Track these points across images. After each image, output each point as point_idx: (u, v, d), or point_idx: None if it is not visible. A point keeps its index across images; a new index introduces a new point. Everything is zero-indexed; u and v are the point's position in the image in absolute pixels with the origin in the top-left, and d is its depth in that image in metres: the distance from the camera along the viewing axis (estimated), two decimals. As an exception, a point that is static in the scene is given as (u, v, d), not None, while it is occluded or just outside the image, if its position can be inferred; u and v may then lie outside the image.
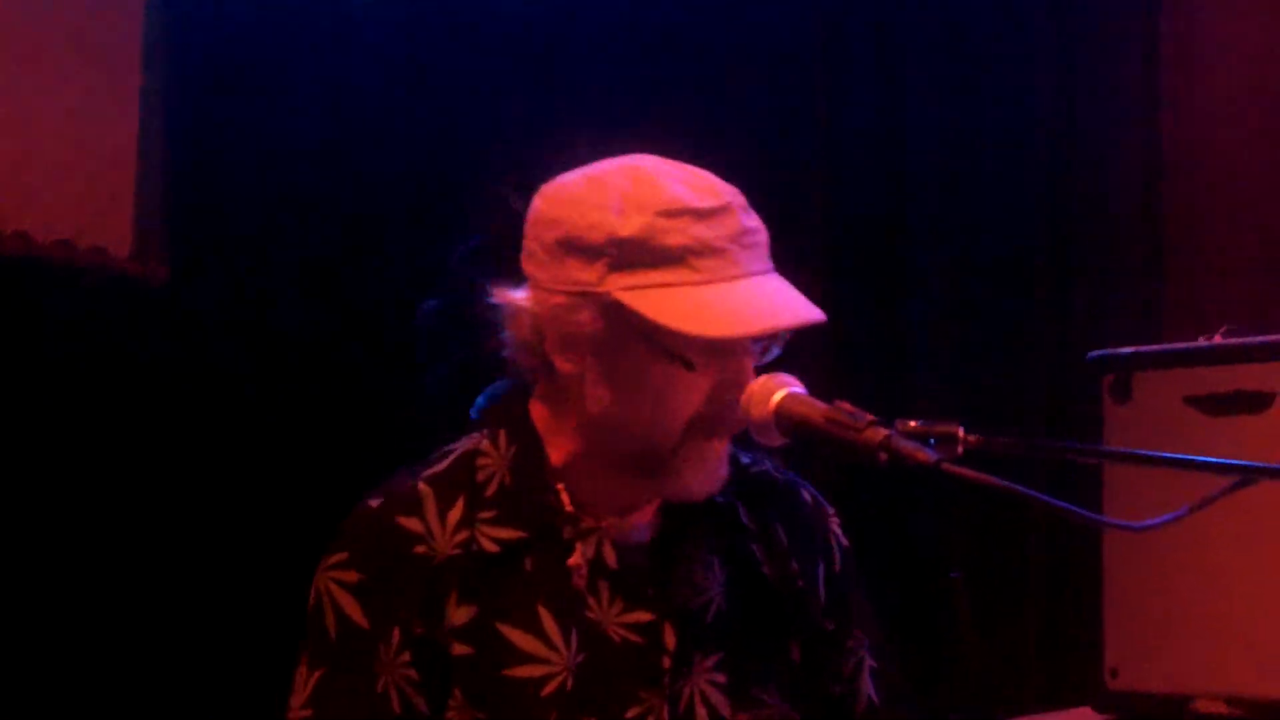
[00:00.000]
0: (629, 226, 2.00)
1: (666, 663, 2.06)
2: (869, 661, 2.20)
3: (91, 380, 4.00)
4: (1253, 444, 2.80)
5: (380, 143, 4.33)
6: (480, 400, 4.26)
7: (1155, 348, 3.07)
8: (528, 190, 4.34)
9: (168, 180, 4.16)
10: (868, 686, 2.20)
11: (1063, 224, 3.90)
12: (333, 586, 2.04)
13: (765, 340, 2.02)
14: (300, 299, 4.30)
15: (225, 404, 4.20)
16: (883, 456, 1.80)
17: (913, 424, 1.83)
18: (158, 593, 4.01)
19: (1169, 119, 3.88)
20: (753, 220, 2.03)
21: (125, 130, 4.12)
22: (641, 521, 2.10)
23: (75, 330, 3.98)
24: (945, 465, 1.76)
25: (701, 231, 1.99)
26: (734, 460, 2.13)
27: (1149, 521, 1.86)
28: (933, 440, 1.81)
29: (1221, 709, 2.89)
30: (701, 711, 2.07)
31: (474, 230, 4.31)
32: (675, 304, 1.98)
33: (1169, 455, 1.93)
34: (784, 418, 1.91)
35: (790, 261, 2.08)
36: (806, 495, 2.23)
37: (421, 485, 2.09)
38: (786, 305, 2.00)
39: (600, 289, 2.01)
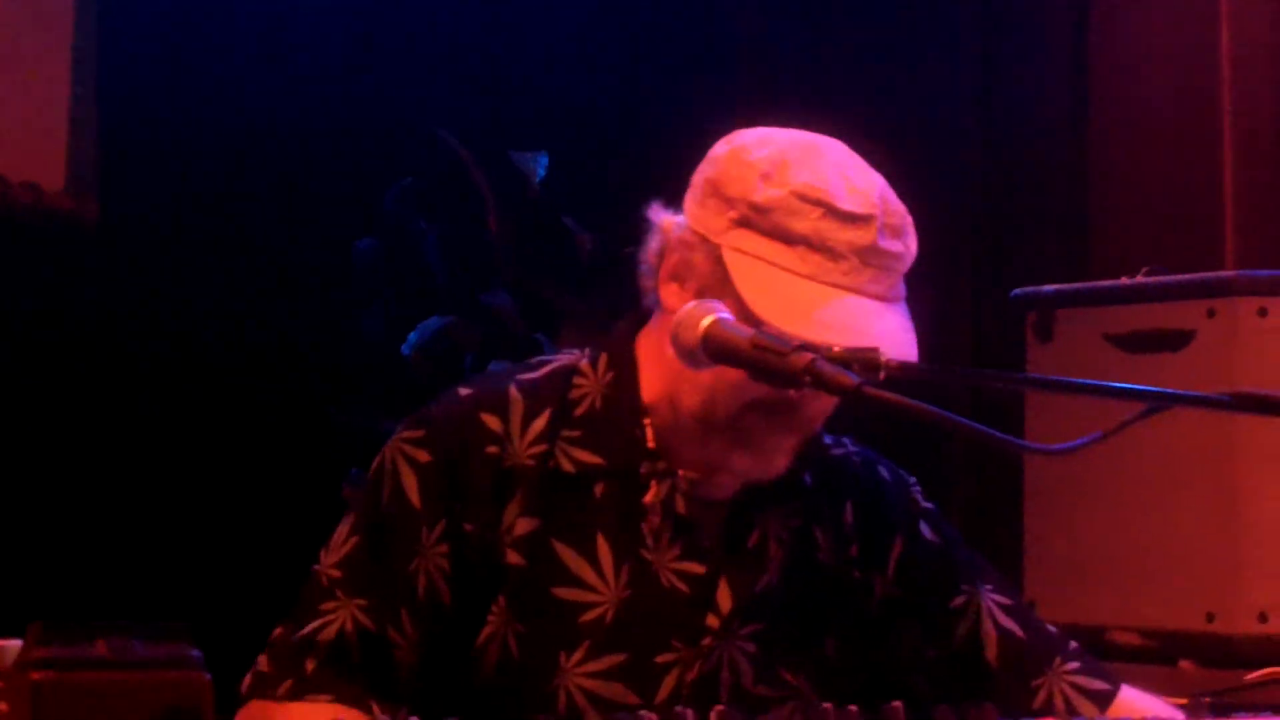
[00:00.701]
0: (765, 194, 2.02)
1: (714, 621, 2.09)
2: (996, 600, 2.21)
3: (23, 313, 4.01)
4: (1172, 380, 2.85)
5: (313, 80, 4.33)
6: (413, 337, 4.31)
7: (1077, 286, 3.12)
8: (461, 131, 4.36)
9: (101, 117, 4.16)
10: (1000, 624, 2.20)
11: (991, 173, 3.96)
12: (400, 459, 2.08)
13: (905, 365, 1.95)
14: (232, 235, 4.31)
15: (156, 337, 4.21)
16: (806, 380, 1.84)
17: (836, 349, 1.87)
18: (82, 528, 4.02)
19: (1096, 71, 3.93)
20: (895, 245, 2.03)
21: (58, 67, 4.12)
22: (720, 482, 2.11)
23: (7, 264, 3.98)
24: (866, 388, 1.80)
25: (829, 230, 2.00)
26: (816, 440, 2.16)
27: (1063, 445, 1.91)
28: (855, 366, 1.85)
29: (1135, 640, 2.96)
30: (726, 675, 2.10)
31: (406, 170, 4.35)
32: (765, 282, 2.00)
33: (1081, 381, 1.97)
34: (711, 343, 1.93)
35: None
36: (884, 472, 2.25)
37: (514, 389, 2.12)
38: (869, 331, 1.98)
39: (718, 239, 2.04)
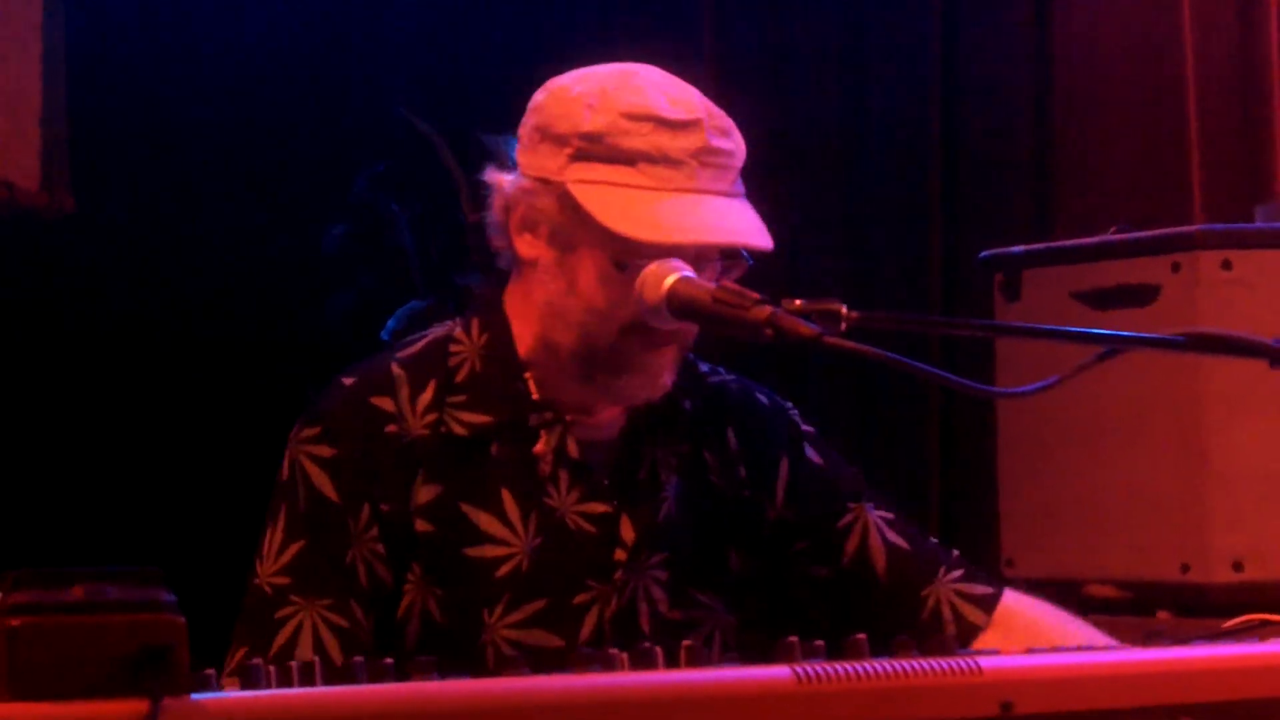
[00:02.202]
0: (594, 122, 2.08)
1: (621, 555, 2.15)
2: (881, 516, 2.28)
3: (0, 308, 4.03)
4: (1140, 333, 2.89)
5: (282, 67, 4.35)
6: (391, 322, 4.33)
7: (1043, 245, 3.16)
8: (431, 114, 4.37)
9: (72, 113, 4.18)
10: (887, 539, 2.27)
11: (956, 135, 3.98)
12: (305, 461, 2.12)
13: (711, 259, 2.07)
14: (206, 224, 4.33)
15: (133, 328, 4.23)
16: (769, 332, 1.87)
17: (797, 303, 1.90)
18: (60, 525, 4.04)
19: (1059, 27, 3.95)
20: (726, 143, 2.11)
21: (29, 66, 4.14)
22: (606, 419, 2.18)
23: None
24: (826, 338, 1.83)
25: (662, 140, 2.07)
26: (692, 370, 2.25)
27: (1022, 388, 1.94)
28: (816, 317, 1.88)
29: (1111, 592, 2.99)
30: (643, 606, 2.16)
31: (377, 154, 4.36)
32: (616, 203, 2.06)
33: (1039, 326, 2.00)
34: (675, 300, 1.98)
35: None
36: (762, 398, 2.32)
37: (395, 367, 2.16)
38: (727, 225, 2.07)
39: (558, 178, 2.10)
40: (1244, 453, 2.90)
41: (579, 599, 2.13)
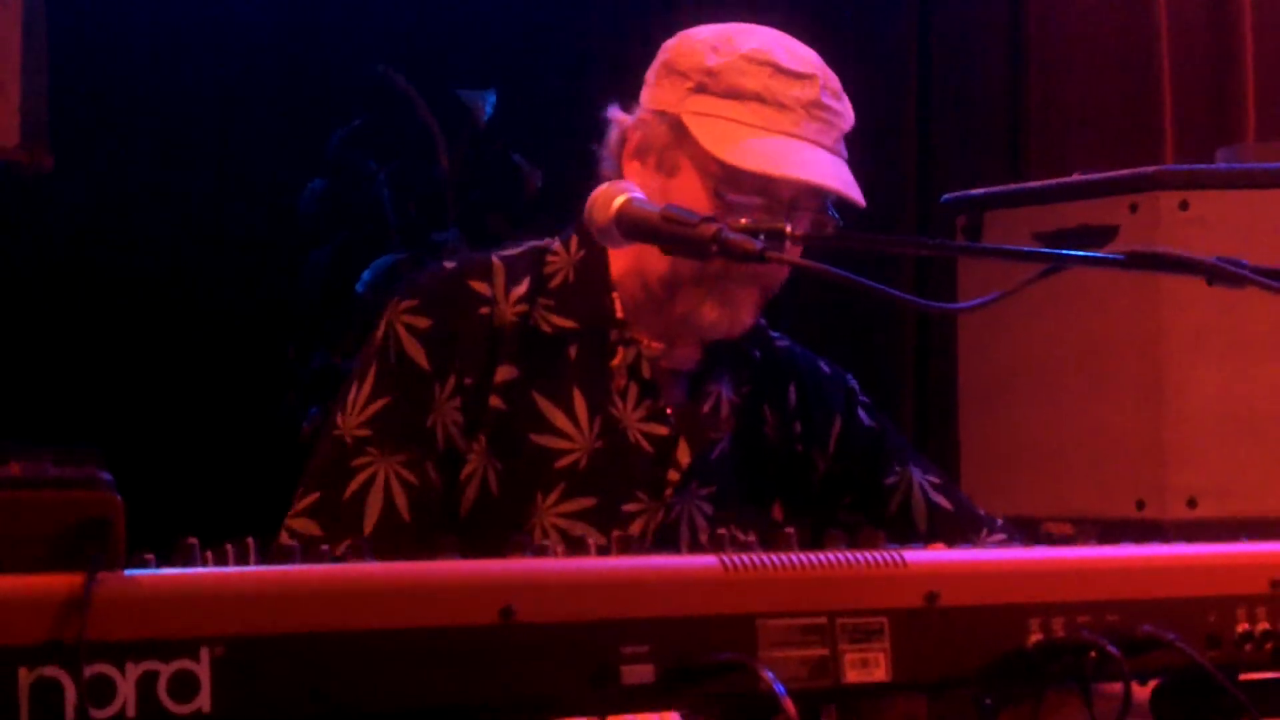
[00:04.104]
0: (715, 60, 2.23)
1: (674, 476, 2.26)
2: (926, 479, 2.42)
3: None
4: (1098, 274, 2.93)
5: (260, 25, 4.38)
6: (366, 275, 4.35)
7: (1004, 188, 3.19)
8: (408, 70, 4.38)
9: (52, 71, 4.20)
10: (930, 499, 2.40)
11: (930, 86, 4.01)
12: (401, 328, 2.24)
13: (803, 209, 2.18)
14: (184, 182, 4.35)
15: (113, 284, 4.26)
16: (714, 249, 1.92)
17: (743, 221, 1.95)
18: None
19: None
20: (835, 103, 2.24)
21: (10, 24, 4.16)
22: (683, 353, 2.30)
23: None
24: (769, 253, 1.87)
25: (776, 85, 2.20)
26: (763, 331, 2.38)
27: (968, 303, 1.98)
28: (762, 235, 1.92)
29: (1067, 530, 3.02)
30: (684, 530, 2.27)
31: (355, 111, 4.38)
32: (723, 134, 2.19)
33: (983, 246, 2.04)
34: (624, 220, 2.03)
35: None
36: (824, 365, 2.46)
37: (495, 259, 2.31)
38: (825, 172, 2.18)
39: (675, 110, 2.24)
40: (1200, 391, 2.94)
41: (628, 507, 2.25)
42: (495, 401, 2.22)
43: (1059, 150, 3.87)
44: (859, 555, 1.51)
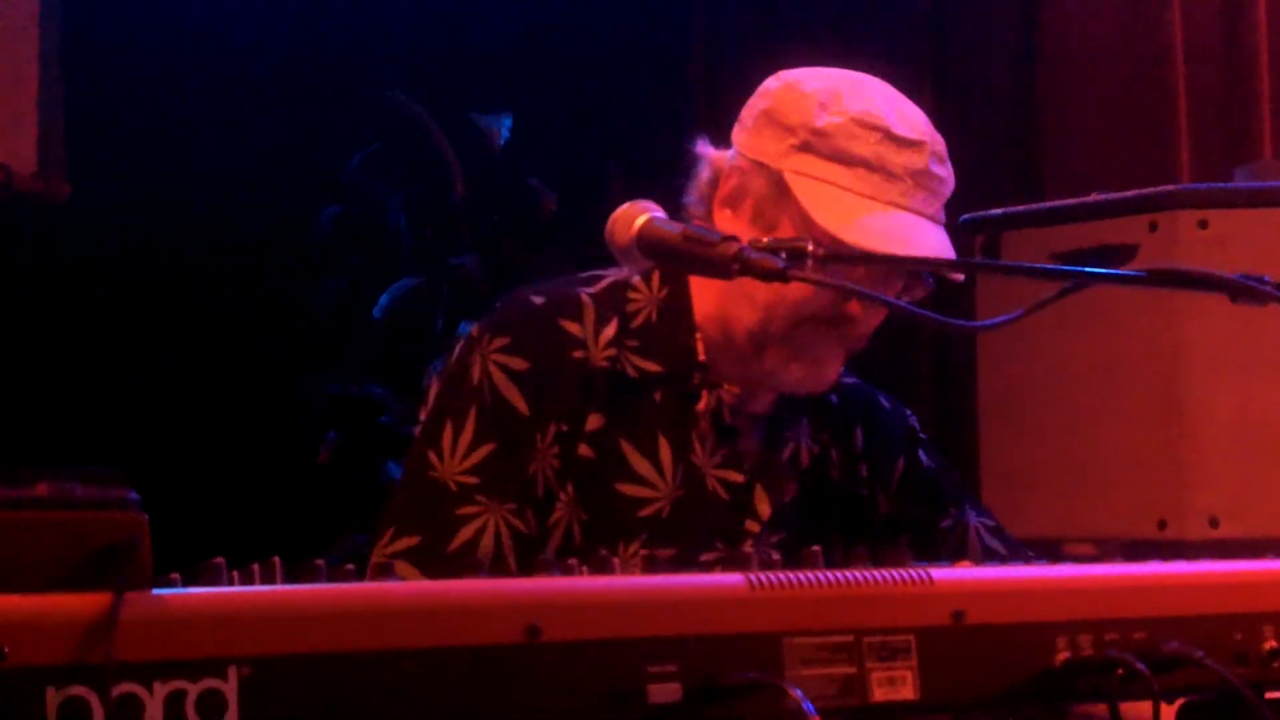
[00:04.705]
0: (825, 120, 2.17)
1: (754, 526, 2.24)
2: (979, 522, 2.42)
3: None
4: (1117, 294, 2.92)
5: (276, 52, 4.39)
6: (383, 300, 4.36)
7: (1022, 208, 3.18)
8: (423, 96, 4.39)
9: (69, 100, 4.22)
10: (985, 543, 2.40)
11: (943, 103, 4.00)
12: (495, 370, 2.20)
13: (895, 278, 2.16)
14: (200, 210, 4.36)
15: (128, 313, 4.27)
16: (735, 268, 1.92)
17: (764, 240, 1.95)
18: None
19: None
20: (942, 170, 2.20)
21: (27, 52, 4.18)
22: (761, 395, 2.27)
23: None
24: (792, 271, 1.87)
25: (886, 152, 2.16)
26: None
27: (989, 321, 1.97)
28: (784, 254, 1.92)
29: (1090, 550, 3.02)
30: None
31: (370, 137, 4.40)
32: (828, 200, 2.14)
33: (1004, 263, 2.03)
34: (646, 240, 2.02)
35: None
36: (885, 401, 2.44)
37: (584, 296, 2.26)
38: (923, 245, 2.14)
39: (777, 164, 2.19)
40: (1220, 409, 2.92)
41: (705, 557, 2.19)
42: (584, 450, 2.19)
43: (1073, 170, 3.87)
44: (885, 573, 1.50)
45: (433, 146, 4.35)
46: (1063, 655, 1.55)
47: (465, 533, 2.13)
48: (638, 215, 2.03)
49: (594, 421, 2.19)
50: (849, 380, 2.40)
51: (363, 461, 4.13)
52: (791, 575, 1.47)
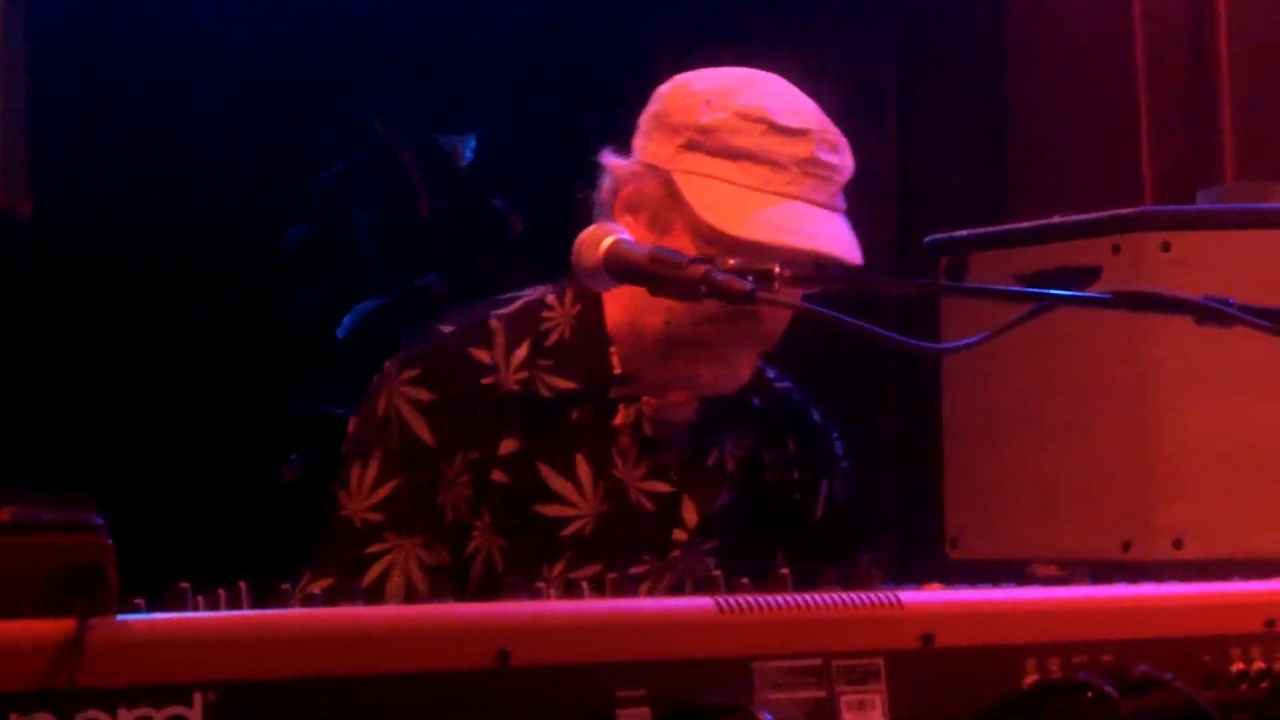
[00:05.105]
0: (709, 117, 2.18)
1: (681, 535, 2.24)
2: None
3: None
4: (1081, 316, 2.92)
5: (241, 70, 4.38)
6: (347, 320, 4.34)
7: (987, 229, 3.18)
8: (391, 116, 4.38)
9: (31, 116, 4.20)
10: None
11: (910, 132, 4.02)
12: (402, 403, 2.20)
13: (797, 272, 2.08)
14: (165, 227, 4.35)
15: (93, 331, 4.25)
16: (703, 290, 1.91)
17: (731, 262, 1.94)
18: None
19: (1013, 17, 4.00)
20: (833, 157, 2.20)
21: (-13, 71, 4.16)
22: (681, 403, 2.27)
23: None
24: (759, 294, 1.87)
25: (770, 143, 2.16)
26: (761, 372, 2.34)
27: (955, 344, 1.98)
28: (751, 276, 1.91)
29: (1054, 572, 3.02)
30: (691, 590, 2.19)
31: (335, 156, 4.39)
32: (714, 195, 2.15)
33: (971, 286, 2.04)
34: (613, 262, 2.01)
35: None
36: (817, 415, 2.44)
37: (494, 321, 2.26)
38: (817, 234, 2.15)
39: (667, 165, 2.19)
40: (1185, 431, 2.93)
41: (634, 570, 2.21)
42: (498, 476, 2.19)
43: (1039, 193, 3.88)
44: (854, 596, 1.50)
45: (399, 166, 4.34)
46: (1031, 678, 1.55)
47: (375, 570, 2.14)
48: (604, 237, 2.02)
49: (508, 446, 2.19)
50: (782, 385, 2.40)
51: (327, 482, 4.12)
52: (760, 599, 1.47)
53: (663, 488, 2.24)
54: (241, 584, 1.35)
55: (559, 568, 2.18)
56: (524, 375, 2.22)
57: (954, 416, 3.18)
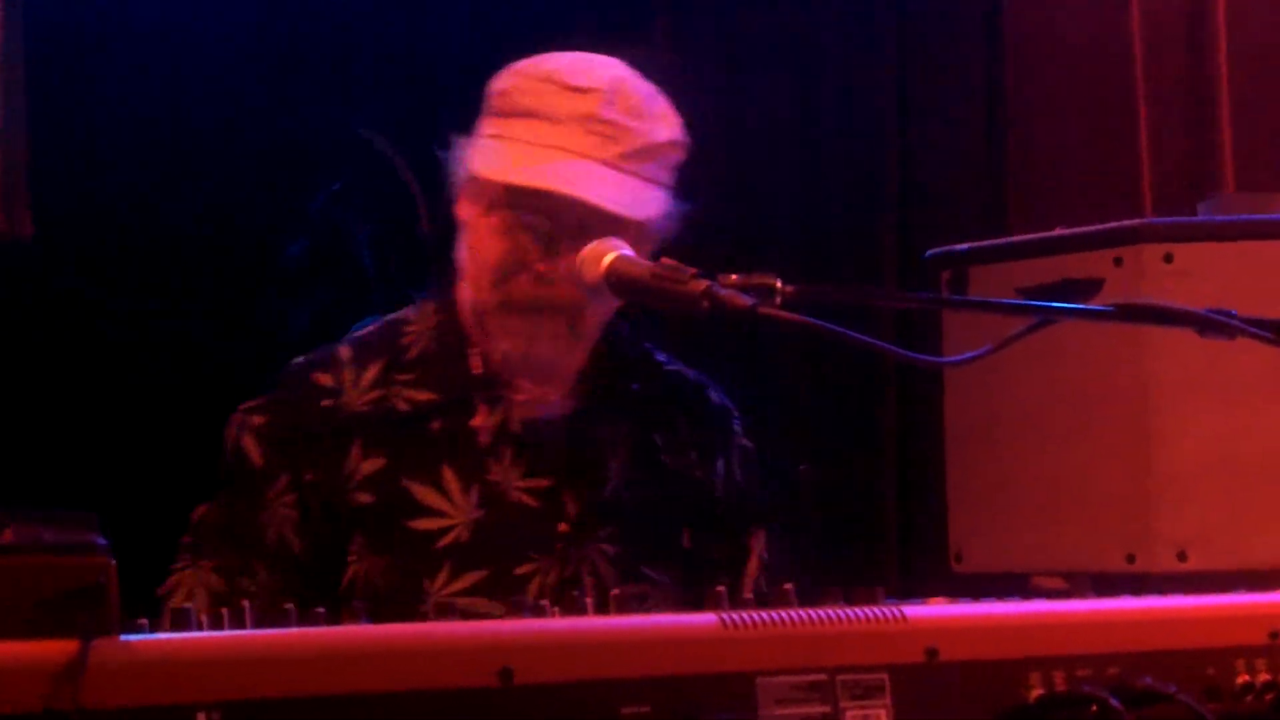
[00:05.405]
0: (505, 82, 2.23)
1: (564, 528, 2.22)
2: (761, 554, 2.39)
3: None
4: (1084, 328, 2.92)
5: (242, 86, 4.38)
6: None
7: (989, 242, 3.18)
8: (391, 132, 4.38)
9: (31, 136, 4.20)
10: (755, 579, 2.37)
11: (910, 142, 4.02)
12: (240, 429, 2.25)
13: (597, 231, 2.09)
14: (166, 246, 4.34)
15: (94, 350, 4.25)
16: (705, 305, 1.90)
17: (733, 277, 1.94)
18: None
19: (1010, 26, 4.01)
20: (622, 117, 2.18)
21: (-13, 90, 4.16)
22: (553, 397, 2.25)
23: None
24: (761, 309, 1.86)
25: (552, 100, 2.17)
26: (648, 357, 2.35)
27: (957, 357, 1.97)
28: (753, 291, 1.91)
29: (1059, 584, 3.02)
30: (588, 579, 2.22)
31: (336, 172, 4.38)
32: (492, 150, 2.18)
33: (972, 299, 2.04)
34: (614, 277, 2.00)
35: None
36: (713, 395, 2.41)
37: (343, 348, 2.29)
38: (581, 184, 2.13)
39: (478, 136, 2.23)
40: (1188, 442, 2.93)
41: (521, 569, 2.20)
42: (364, 498, 2.18)
43: (1038, 206, 3.88)
44: (858, 611, 1.50)
45: (400, 183, 4.34)
46: (1036, 691, 1.55)
47: (167, 585, 2.20)
48: (606, 252, 2.01)
49: (371, 466, 2.19)
50: (672, 368, 2.38)
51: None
52: (764, 614, 1.46)
53: (543, 483, 2.23)
54: (244, 603, 1.35)
55: (440, 580, 2.17)
56: (376, 394, 2.22)
57: (956, 429, 3.18)
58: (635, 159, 2.19)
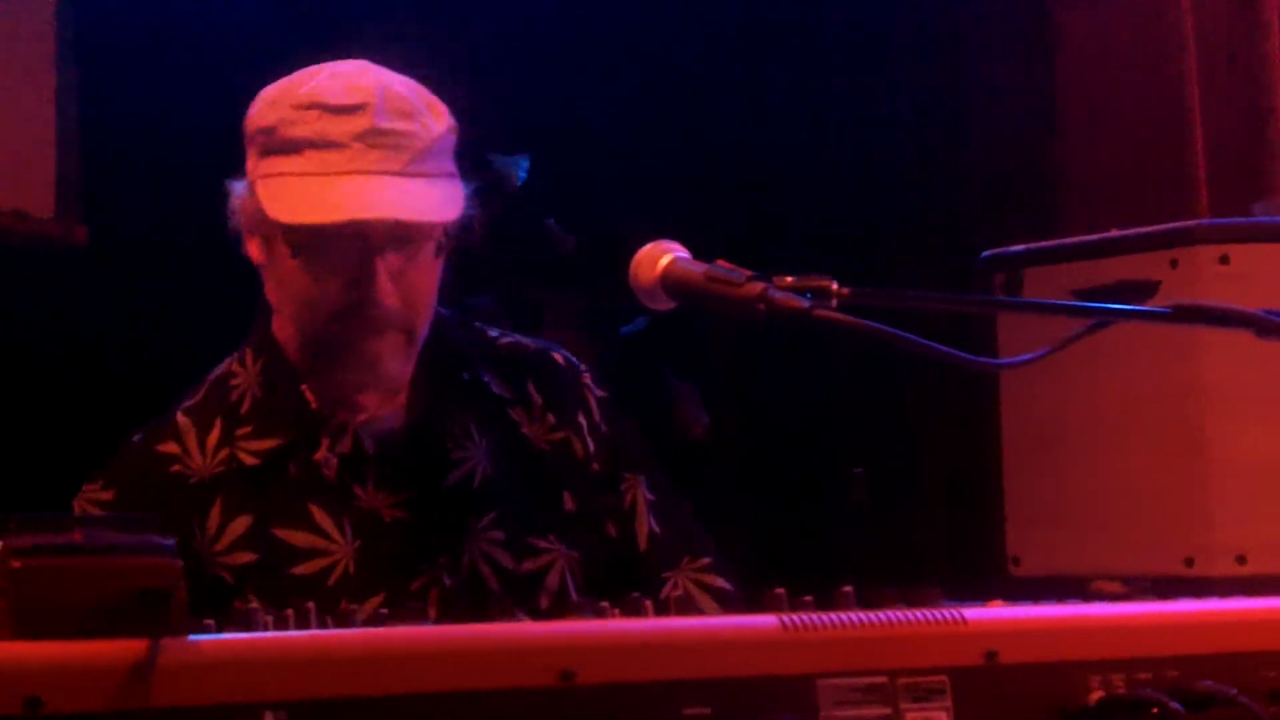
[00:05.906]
0: (268, 117, 2.15)
1: (444, 532, 2.18)
2: (645, 495, 2.34)
3: (15, 338, 4.07)
4: (1139, 330, 2.91)
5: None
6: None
7: (1043, 244, 3.17)
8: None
9: (85, 143, 4.23)
10: (646, 520, 2.33)
11: (961, 148, 4.02)
12: (86, 508, 2.17)
13: (405, 238, 2.09)
14: (219, 252, 4.36)
15: (146, 357, 4.27)
16: (761, 307, 1.89)
17: (789, 280, 1.93)
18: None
19: (1061, 31, 4.00)
20: (399, 123, 2.13)
21: (43, 95, 4.19)
22: (389, 410, 2.20)
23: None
24: (817, 311, 1.86)
25: (326, 126, 2.11)
26: (479, 336, 2.30)
27: (1015, 359, 1.97)
28: (808, 293, 1.90)
29: (1117, 588, 3.00)
30: (485, 569, 2.19)
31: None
32: (282, 191, 2.10)
33: (1027, 300, 2.03)
34: (669, 281, 1.98)
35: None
36: (558, 357, 2.37)
37: (180, 417, 2.21)
38: (377, 203, 2.08)
39: (252, 177, 2.16)
40: (1245, 445, 2.92)
41: (415, 585, 2.16)
42: (243, 557, 2.14)
43: (1090, 209, 3.87)
44: (918, 613, 1.50)
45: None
46: (1096, 694, 1.54)
47: None
48: (662, 255, 1.99)
49: (239, 526, 2.15)
50: (508, 340, 2.34)
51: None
52: (824, 616, 1.46)
53: (411, 494, 2.19)
54: (310, 604, 1.36)
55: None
56: (224, 453, 2.18)
57: (1013, 435, 3.17)
58: (424, 159, 2.16)
